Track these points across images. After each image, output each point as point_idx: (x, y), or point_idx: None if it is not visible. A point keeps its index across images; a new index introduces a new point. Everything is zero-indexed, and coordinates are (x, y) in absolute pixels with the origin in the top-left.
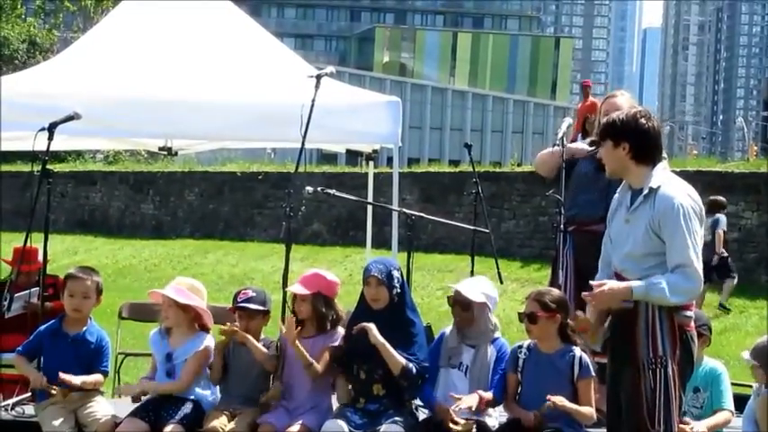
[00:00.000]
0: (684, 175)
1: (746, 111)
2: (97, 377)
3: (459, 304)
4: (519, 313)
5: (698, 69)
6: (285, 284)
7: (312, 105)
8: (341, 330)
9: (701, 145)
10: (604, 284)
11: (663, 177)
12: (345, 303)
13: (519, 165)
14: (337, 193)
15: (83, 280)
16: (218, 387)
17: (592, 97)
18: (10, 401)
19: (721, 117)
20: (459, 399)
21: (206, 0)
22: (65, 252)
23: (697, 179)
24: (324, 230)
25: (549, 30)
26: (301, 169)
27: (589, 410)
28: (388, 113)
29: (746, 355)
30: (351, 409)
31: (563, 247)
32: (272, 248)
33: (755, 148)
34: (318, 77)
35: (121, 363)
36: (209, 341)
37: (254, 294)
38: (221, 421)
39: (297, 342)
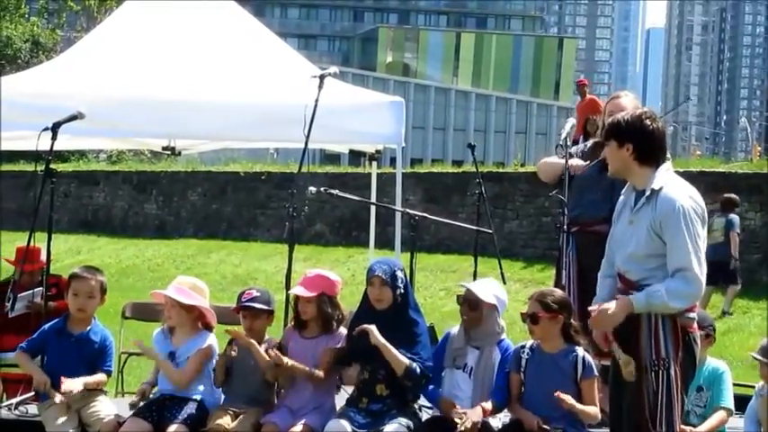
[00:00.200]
0: (687, 175)
1: (750, 111)
2: (100, 377)
3: (468, 303)
4: (521, 314)
5: (701, 70)
6: (288, 285)
7: (315, 105)
8: (343, 331)
9: (705, 145)
10: (603, 308)
11: (665, 178)
12: (348, 304)
13: (522, 165)
14: (340, 194)
15: (87, 279)
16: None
17: (589, 94)
18: (13, 401)
19: (725, 117)
20: (464, 413)
21: (209, 0)
22: (68, 252)
23: (700, 180)
24: (327, 231)
25: (553, 30)
26: (304, 169)
27: (594, 410)
28: (392, 114)
29: (756, 354)
30: (354, 410)
31: (566, 247)
32: (275, 249)
33: (759, 148)
34: (322, 77)
35: (125, 362)
36: (212, 339)
37: (259, 294)
38: (225, 421)
39: (294, 363)
